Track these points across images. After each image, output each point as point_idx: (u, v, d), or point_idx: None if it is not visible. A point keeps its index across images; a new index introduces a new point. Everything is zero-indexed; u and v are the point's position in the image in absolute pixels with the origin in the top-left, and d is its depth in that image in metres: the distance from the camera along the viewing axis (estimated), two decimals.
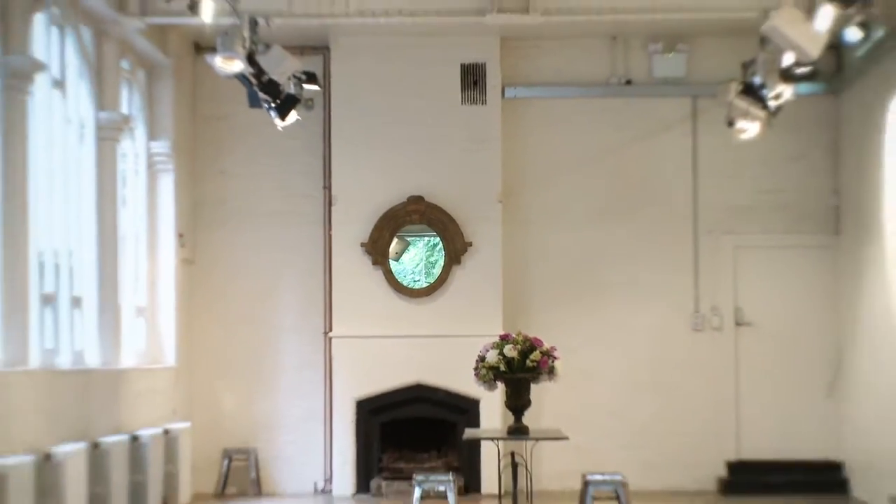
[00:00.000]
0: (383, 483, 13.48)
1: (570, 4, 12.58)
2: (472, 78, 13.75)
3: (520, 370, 10.34)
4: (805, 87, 11.89)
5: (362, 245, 13.66)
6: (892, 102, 11.90)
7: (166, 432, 12.22)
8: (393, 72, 13.73)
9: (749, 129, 11.56)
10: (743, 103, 11.21)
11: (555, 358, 10.40)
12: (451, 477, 10.54)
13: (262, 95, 10.88)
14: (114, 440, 10.73)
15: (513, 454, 10.92)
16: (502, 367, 10.34)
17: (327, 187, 13.92)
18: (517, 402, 10.57)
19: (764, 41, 10.00)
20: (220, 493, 13.74)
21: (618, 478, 10.29)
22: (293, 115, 11.29)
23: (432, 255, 14.19)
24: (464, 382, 11.62)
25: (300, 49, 12.69)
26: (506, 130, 13.85)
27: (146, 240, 13.29)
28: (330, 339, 13.77)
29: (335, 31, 13.48)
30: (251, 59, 10.27)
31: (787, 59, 10.30)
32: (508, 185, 13.84)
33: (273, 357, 14.03)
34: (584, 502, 10.25)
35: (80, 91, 11.54)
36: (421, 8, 12.66)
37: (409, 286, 13.88)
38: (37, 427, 9.58)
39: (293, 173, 14.10)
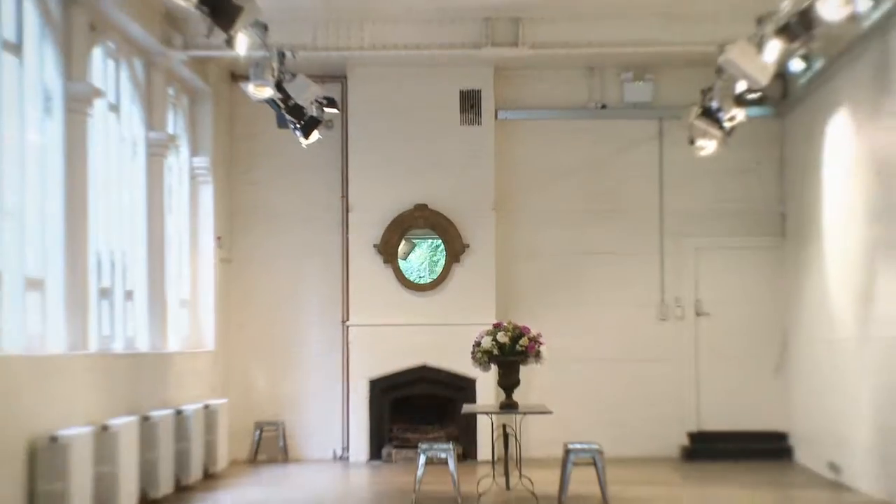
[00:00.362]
0: (393, 451, 13.48)
1: (554, 39, 12.53)
2: (470, 102, 13.74)
3: (510, 354, 10.36)
4: (755, 111, 11.92)
5: (375, 246, 13.65)
6: (829, 124, 11.88)
7: (206, 407, 12.20)
8: (401, 97, 13.73)
9: (707, 146, 11.57)
10: (702, 124, 11.20)
11: (541, 343, 10.41)
12: (451, 446, 10.52)
13: (288, 117, 10.90)
14: (161, 414, 10.71)
15: (504, 426, 10.93)
16: (495, 351, 10.36)
17: (345, 196, 13.91)
18: (508, 381, 10.58)
19: (720, 71, 9.99)
20: (253, 459, 13.74)
21: (594, 446, 10.27)
22: (315, 135, 11.31)
23: (435, 255, 14.16)
24: (462, 364, 11.60)
25: (321, 77, 12.66)
26: (498, 147, 13.84)
27: (189, 241, 13.28)
28: (347, 327, 13.76)
29: (352, 62, 13.48)
30: (279, 86, 10.29)
31: (740, 86, 10.29)
32: (501, 194, 13.83)
33: (298, 342, 14.02)
34: (565, 467, 10.22)
35: (132, 114, 11.53)
36: (425, 42, 12.62)
37: (416, 282, 13.87)
38: (95, 402, 9.58)
39: (315, 185, 14.08)
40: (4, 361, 8.17)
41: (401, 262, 13.84)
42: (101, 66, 10.69)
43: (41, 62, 9.37)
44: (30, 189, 9.10)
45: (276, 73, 10.02)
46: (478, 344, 10.48)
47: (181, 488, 11.16)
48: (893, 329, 9.95)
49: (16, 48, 8.94)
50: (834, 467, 11.65)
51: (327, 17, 12.35)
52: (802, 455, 13.17)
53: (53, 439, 8.43)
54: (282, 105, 10.66)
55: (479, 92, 13.74)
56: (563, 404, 12.46)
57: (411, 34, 12.56)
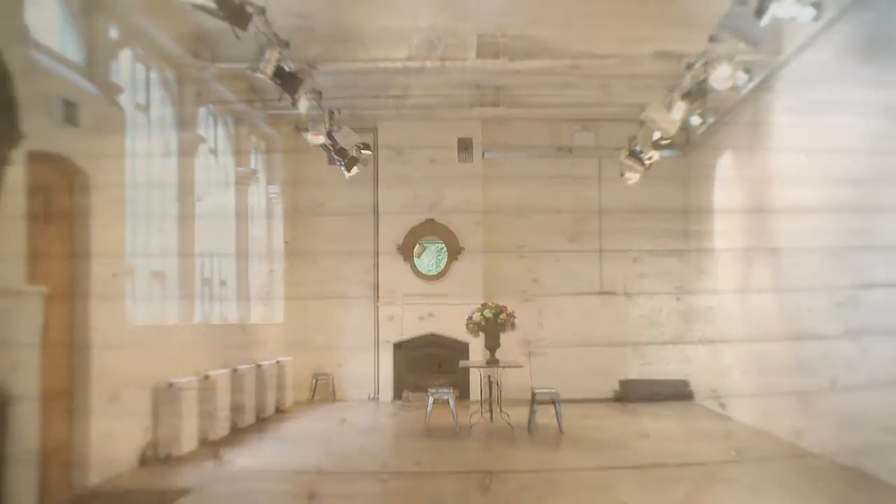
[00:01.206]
0: (410, 394, 13.52)
1: (525, 101, 12.59)
2: (464, 146, 13.78)
3: (493, 325, 10.44)
4: (666, 152, 11.94)
5: (397, 248, 13.71)
6: (719, 162, 11.96)
7: (278, 362, 12.27)
8: (415, 142, 13.72)
9: (633, 178, 11.62)
10: (629, 162, 11.27)
11: (514, 318, 10.50)
12: (451, 390, 10.60)
13: (336, 157, 10.98)
14: (246, 367, 10.80)
15: (489, 376, 11.01)
16: (483, 323, 10.45)
17: (376, 213, 13.95)
18: (492, 344, 10.67)
19: (642, 123, 10.05)
20: (311, 399, 13.73)
21: (553, 390, 10.34)
22: (355, 169, 11.38)
23: (440, 255, 14.21)
24: (459, 332, 11.69)
25: (359, 129, 12.69)
26: (485, 178, 13.86)
27: (265, 245, 13.36)
28: (378, 305, 13.82)
29: (381, 117, 13.52)
30: (329, 135, 10.37)
31: (656, 135, 10.36)
32: (487, 211, 13.80)
33: (343, 316, 13.99)
34: (532, 406, 10.31)
35: (226, 155, 11.61)
36: (433, 103, 12.65)
37: (426, 273, 13.91)
38: (199, 359, 9.67)
39: (355, 204, 14.04)
40: (138, 329, 8.28)
41: (416, 260, 13.89)
42: (204, 121, 10.79)
43: (162, 118, 9.48)
44: (154, 208, 9.20)
45: (327, 126, 10.11)
46: (470, 318, 10.57)
47: (260, 420, 11.25)
48: (762, 305, 10.03)
49: (145, 108, 9.05)
50: (722, 405, 11.71)
51: (363, 84, 12.41)
52: (700, 396, 13.21)
53: (170, 385, 8.55)
54: (331, 148, 10.74)
55: (471, 138, 13.77)
56: (531, 360, 12.53)
57: (423, 97, 12.62)
